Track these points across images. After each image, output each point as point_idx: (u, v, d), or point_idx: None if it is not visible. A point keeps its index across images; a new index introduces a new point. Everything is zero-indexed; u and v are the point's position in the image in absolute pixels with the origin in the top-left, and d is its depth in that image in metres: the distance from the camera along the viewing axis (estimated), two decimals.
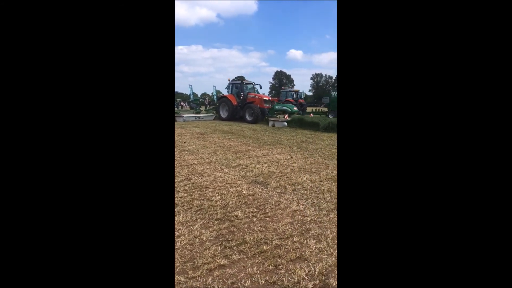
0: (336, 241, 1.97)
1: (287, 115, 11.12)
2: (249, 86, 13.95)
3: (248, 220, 2.32)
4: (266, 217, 2.38)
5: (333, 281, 1.55)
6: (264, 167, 4.08)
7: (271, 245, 1.92)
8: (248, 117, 12.25)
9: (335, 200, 2.76)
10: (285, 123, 10.13)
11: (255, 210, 2.53)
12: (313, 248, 1.88)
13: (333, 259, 1.75)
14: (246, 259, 1.77)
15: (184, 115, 13.21)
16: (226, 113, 13.60)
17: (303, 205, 2.65)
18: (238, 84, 13.77)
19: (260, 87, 13.96)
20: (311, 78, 66.97)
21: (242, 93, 13.17)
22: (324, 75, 65.31)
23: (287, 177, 3.61)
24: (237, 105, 13.07)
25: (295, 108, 11.83)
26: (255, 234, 2.07)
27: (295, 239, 2.00)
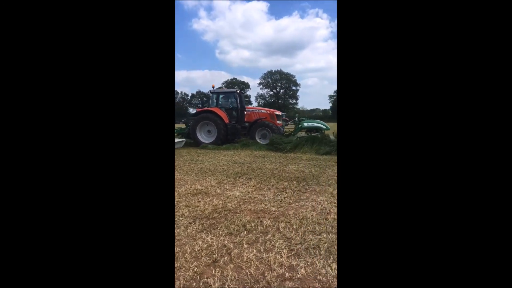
0: (193, 255, 1.99)
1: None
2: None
3: None
4: None
5: None
6: None
7: None
8: (260, 140, 8.65)
9: (193, 214, 2.81)
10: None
11: None
12: None
13: (190, 273, 1.76)
14: None
15: None
16: (210, 136, 8.92)
17: None
18: (236, 94, 9.22)
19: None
20: None
21: (240, 107, 9.13)
22: (180, 92, 66.31)
23: None
24: (231, 123, 8.94)
25: (328, 126, 8.74)
26: None
27: None
